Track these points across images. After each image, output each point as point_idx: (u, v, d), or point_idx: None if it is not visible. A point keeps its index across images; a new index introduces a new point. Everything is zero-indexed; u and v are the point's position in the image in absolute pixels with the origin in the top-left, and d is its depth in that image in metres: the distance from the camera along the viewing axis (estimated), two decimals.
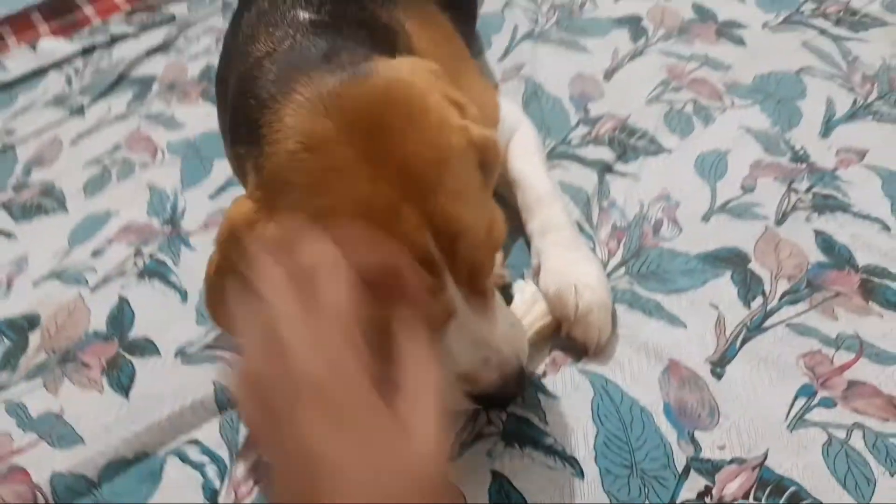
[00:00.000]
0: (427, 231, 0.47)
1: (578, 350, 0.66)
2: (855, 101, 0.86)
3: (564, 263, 0.67)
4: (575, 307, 0.64)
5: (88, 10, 1.32)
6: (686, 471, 0.58)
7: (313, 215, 0.46)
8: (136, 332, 0.76)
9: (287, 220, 0.47)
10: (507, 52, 1.01)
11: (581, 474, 0.58)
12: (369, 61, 0.53)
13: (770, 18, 1.00)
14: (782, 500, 0.55)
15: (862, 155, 0.80)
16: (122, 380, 0.72)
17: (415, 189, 0.47)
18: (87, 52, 1.20)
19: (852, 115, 0.85)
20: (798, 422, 0.59)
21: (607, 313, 0.65)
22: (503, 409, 0.62)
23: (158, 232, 0.87)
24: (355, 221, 0.46)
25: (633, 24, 1.02)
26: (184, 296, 0.78)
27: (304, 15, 0.63)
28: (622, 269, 0.72)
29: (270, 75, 0.55)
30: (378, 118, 0.48)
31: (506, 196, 0.74)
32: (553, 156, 0.85)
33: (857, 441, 0.58)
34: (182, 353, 0.73)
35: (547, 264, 0.68)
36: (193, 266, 0.80)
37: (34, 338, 0.79)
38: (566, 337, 0.66)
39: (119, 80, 1.13)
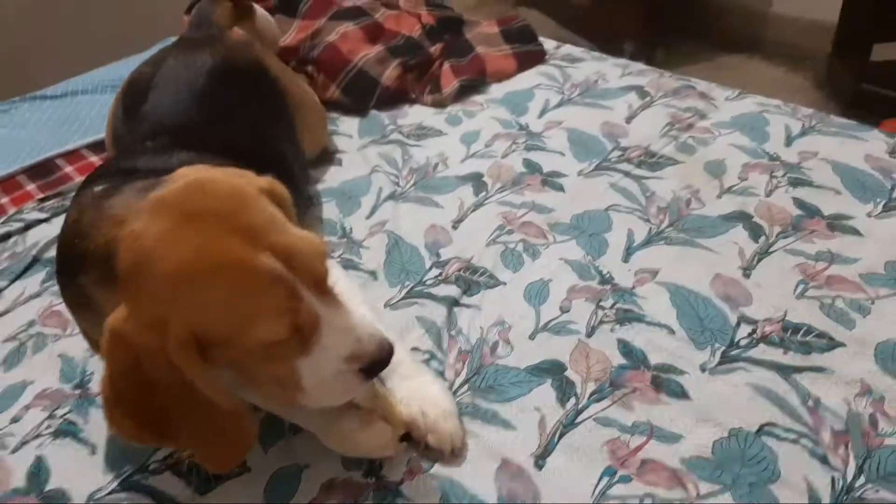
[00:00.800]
0: (273, 258, 0.63)
1: (432, 457, 0.80)
2: (650, 230, 1.07)
3: (411, 390, 0.82)
4: (424, 422, 0.79)
5: (3, 199, 1.46)
6: None
7: (179, 283, 0.61)
8: (51, 485, 0.84)
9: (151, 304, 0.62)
10: (373, 211, 1.19)
11: None
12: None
13: (584, 167, 1.23)
14: None
15: (655, 274, 0.99)
16: None
17: (243, 234, 0.63)
18: (2, 239, 1.33)
19: (648, 242, 1.05)
20: (601, 497, 0.74)
21: (455, 422, 0.80)
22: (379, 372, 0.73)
23: (70, 395, 0.97)
24: (215, 272, 0.61)
25: (476, 180, 1.23)
26: (93, 449, 0.88)
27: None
28: (466, 386, 0.88)
29: (109, 212, 0.70)
30: (196, 201, 0.65)
31: None
32: (411, 295, 1.01)
33: None
34: (92, 499, 0.82)
35: (399, 395, 0.81)
36: (101, 422, 0.91)
37: None
38: (426, 448, 0.79)
39: (33, 263, 1.25)
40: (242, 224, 0.64)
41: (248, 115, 1.05)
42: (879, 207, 1.06)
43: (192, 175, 0.69)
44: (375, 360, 0.69)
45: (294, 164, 1.11)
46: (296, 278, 0.64)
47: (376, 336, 0.69)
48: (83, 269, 0.72)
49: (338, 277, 0.75)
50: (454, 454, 0.79)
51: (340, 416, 0.78)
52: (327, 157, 1.36)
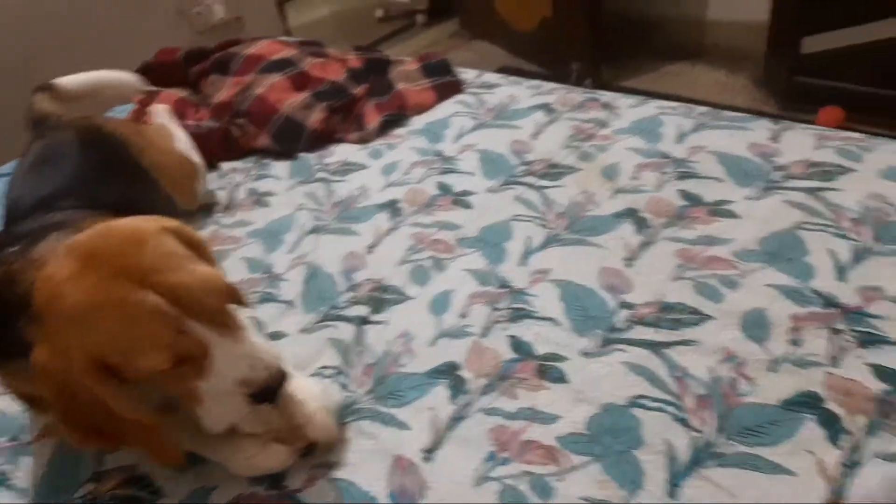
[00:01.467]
0: (158, 297, 0.70)
1: (330, 464, 0.86)
2: (548, 235, 1.14)
3: (294, 389, 0.87)
4: (303, 414, 0.85)
5: None
6: None
7: (76, 318, 0.70)
8: None
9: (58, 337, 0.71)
10: (295, 246, 1.26)
11: None
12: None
13: (492, 184, 1.30)
14: None
15: (547, 273, 1.06)
16: None
17: (130, 274, 0.71)
18: None
19: (544, 245, 1.12)
20: (482, 480, 0.80)
21: (331, 417, 0.86)
22: (274, 400, 0.80)
23: (4, 447, 1.00)
24: (103, 309, 0.70)
25: (392, 207, 1.30)
26: (24, 493, 0.92)
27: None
28: (370, 395, 0.94)
29: (33, 259, 0.80)
30: (96, 245, 0.73)
31: None
32: (325, 318, 1.08)
33: (523, 485, 0.78)
34: None
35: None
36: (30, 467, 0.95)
37: None
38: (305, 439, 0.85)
39: None
40: (131, 265, 0.72)
41: (108, 177, 1.14)
42: (758, 190, 1.13)
43: (103, 222, 0.78)
44: (264, 388, 0.77)
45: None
46: (181, 313, 0.72)
47: (269, 365, 0.77)
48: (18, 312, 0.79)
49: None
50: (330, 446, 0.86)
51: (240, 443, 0.85)
52: (259, 201, 1.44)
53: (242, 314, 0.82)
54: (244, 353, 0.76)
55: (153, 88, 1.78)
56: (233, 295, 0.79)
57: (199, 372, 0.75)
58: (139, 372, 0.72)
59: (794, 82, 2.52)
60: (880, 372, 0.82)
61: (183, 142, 1.46)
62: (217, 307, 0.75)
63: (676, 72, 3.05)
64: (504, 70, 3.29)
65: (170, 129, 1.49)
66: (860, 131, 1.23)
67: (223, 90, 1.71)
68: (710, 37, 3.04)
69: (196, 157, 1.44)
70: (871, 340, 0.86)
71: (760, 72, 2.77)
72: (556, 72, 3.07)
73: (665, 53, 3.10)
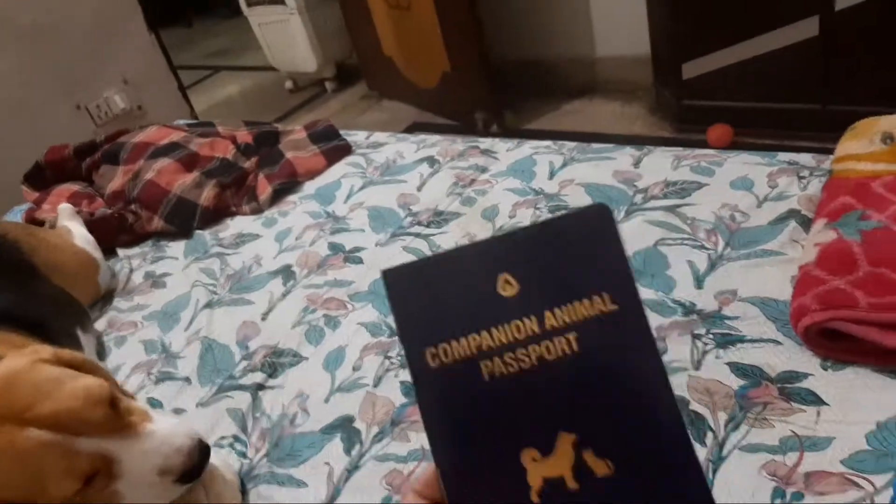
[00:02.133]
0: (41, 430, 0.71)
1: None
2: None
3: None
4: (206, 494, 0.86)
5: None
6: None
7: None
8: None
9: None
10: (191, 322, 1.27)
11: None
12: None
13: (381, 237, 1.35)
14: None
15: None
16: None
17: (7, 418, 0.71)
18: None
19: None
20: None
21: (232, 489, 0.88)
22: (199, 476, 0.80)
23: None
24: None
25: (286, 272, 1.33)
26: None
27: None
28: (265, 459, 0.95)
29: None
30: None
31: None
32: (221, 390, 1.08)
33: None
34: None
35: None
36: None
37: None
38: None
39: None
40: (7, 407, 0.73)
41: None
42: (622, 213, 1.20)
43: None
44: (187, 470, 0.78)
45: (57, 317, 1.20)
46: (68, 436, 0.73)
47: (184, 447, 0.78)
48: None
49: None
50: None
51: None
52: (155, 283, 1.44)
53: (140, 403, 0.83)
54: (153, 446, 0.77)
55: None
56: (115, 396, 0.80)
57: (113, 478, 0.75)
58: (53, 501, 0.72)
59: (682, 106, 2.68)
60: (737, 369, 0.88)
61: (82, 238, 1.47)
62: (104, 415, 0.76)
63: (575, 109, 3.20)
64: (416, 125, 3.42)
65: (68, 227, 1.51)
66: (749, 145, 1.33)
67: (115, 180, 1.71)
68: (602, 73, 3.22)
69: (96, 252, 1.45)
70: (728, 341, 0.92)
71: (652, 100, 2.94)
72: (463, 122, 3.19)
73: (563, 93, 3.26)
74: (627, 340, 0.44)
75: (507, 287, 0.44)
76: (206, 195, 1.59)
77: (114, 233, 1.60)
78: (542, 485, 0.44)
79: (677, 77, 2.66)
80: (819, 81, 2.32)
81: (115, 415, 0.76)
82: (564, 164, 1.39)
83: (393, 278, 0.45)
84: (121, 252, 1.60)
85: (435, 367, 0.44)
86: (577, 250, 0.45)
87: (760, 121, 2.50)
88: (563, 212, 1.25)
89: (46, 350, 0.81)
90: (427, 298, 0.44)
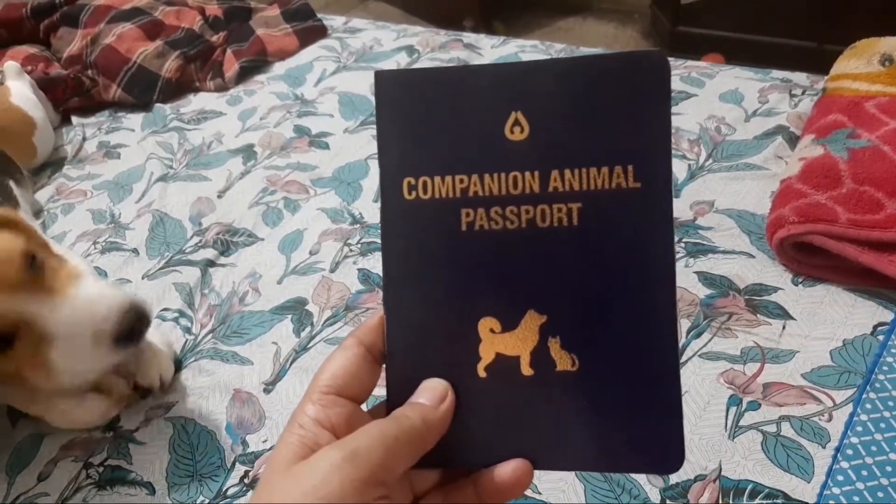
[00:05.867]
0: None
1: (169, 405, 0.82)
2: None
3: None
4: (136, 363, 0.82)
5: None
6: (232, 465, 0.74)
7: None
8: None
9: None
10: (143, 195, 1.20)
11: (153, 492, 0.73)
12: None
13: (350, 124, 1.28)
14: None
15: None
16: None
17: None
18: None
19: None
20: None
21: (166, 360, 0.83)
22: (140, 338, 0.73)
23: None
24: None
25: (247, 151, 1.26)
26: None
27: None
28: (210, 335, 0.91)
29: None
30: None
31: None
32: (170, 264, 1.03)
33: None
34: None
35: None
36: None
37: None
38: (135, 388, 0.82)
39: None
40: None
41: None
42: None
43: None
44: (123, 330, 0.70)
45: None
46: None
47: (115, 307, 0.70)
48: None
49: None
50: (163, 389, 0.82)
51: (57, 397, 0.79)
52: (109, 153, 1.36)
53: (81, 265, 0.77)
54: (81, 306, 0.69)
55: None
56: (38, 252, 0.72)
57: (42, 343, 0.68)
58: None
59: (677, 32, 2.60)
60: (705, 279, 0.85)
61: (22, 98, 1.37)
62: (14, 273, 0.68)
63: (568, 26, 3.09)
64: None
65: (7, 86, 1.40)
66: None
67: (73, 44, 1.60)
68: None
69: (36, 111, 1.36)
70: (699, 250, 0.89)
71: (647, 24, 2.84)
72: (450, 29, 3.06)
73: (556, 9, 3.15)
74: (639, 228, 0.37)
75: (516, 130, 0.38)
76: (169, 66, 1.49)
77: (70, 93, 1.50)
78: (493, 360, 0.40)
79: (675, 3, 2.58)
80: (818, 19, 2.26)
81: (32, 274, 0.69)
82: None
83: (384, 84, 0.38)
84: (75, 120, 1.50)
85: (409, 199, 0.38)
86: (611, 103, 0.37)
87: (754, 54, 2.43)
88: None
89: None
90: (419, 119, 0.38)
